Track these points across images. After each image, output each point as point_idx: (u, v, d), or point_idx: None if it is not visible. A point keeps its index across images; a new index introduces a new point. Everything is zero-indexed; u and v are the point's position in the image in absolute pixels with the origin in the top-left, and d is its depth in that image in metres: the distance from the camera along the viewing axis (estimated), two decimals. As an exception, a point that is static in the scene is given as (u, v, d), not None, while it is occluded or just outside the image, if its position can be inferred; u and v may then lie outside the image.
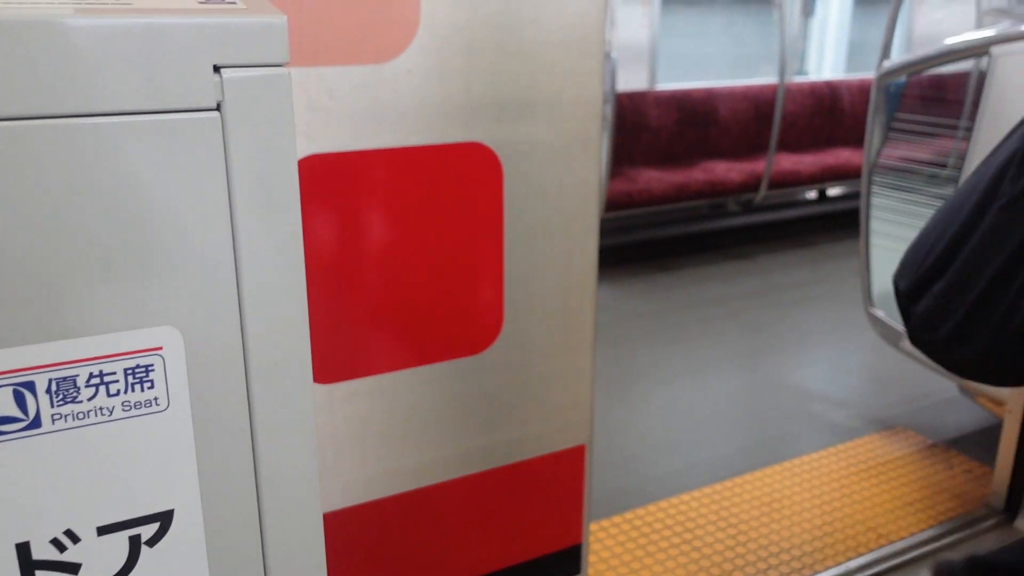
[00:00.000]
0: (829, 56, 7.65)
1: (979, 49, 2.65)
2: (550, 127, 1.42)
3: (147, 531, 0.70)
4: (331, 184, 1.30)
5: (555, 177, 1.46)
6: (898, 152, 3.02)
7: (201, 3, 0.66)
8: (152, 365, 0.66)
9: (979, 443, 3.12)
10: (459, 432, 1.53)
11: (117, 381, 0.66)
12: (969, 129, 2.70)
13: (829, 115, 6.11)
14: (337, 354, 1.38)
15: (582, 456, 1.67)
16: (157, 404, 0.67)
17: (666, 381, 3.66)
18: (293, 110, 0.67)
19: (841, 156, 5.84)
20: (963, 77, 2.91)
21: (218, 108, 0.64)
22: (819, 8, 7.67)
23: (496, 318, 1.49)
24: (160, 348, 0.66)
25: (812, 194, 6.29)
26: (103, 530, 0.68)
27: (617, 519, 2.63)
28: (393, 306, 1.40)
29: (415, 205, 1.36)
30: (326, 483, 1.46)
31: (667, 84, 5.69)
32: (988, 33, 2.66)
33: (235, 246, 0.67)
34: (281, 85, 0.66)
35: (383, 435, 1.47)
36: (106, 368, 0.65)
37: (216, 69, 0.64)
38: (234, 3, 0.67)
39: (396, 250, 1.37)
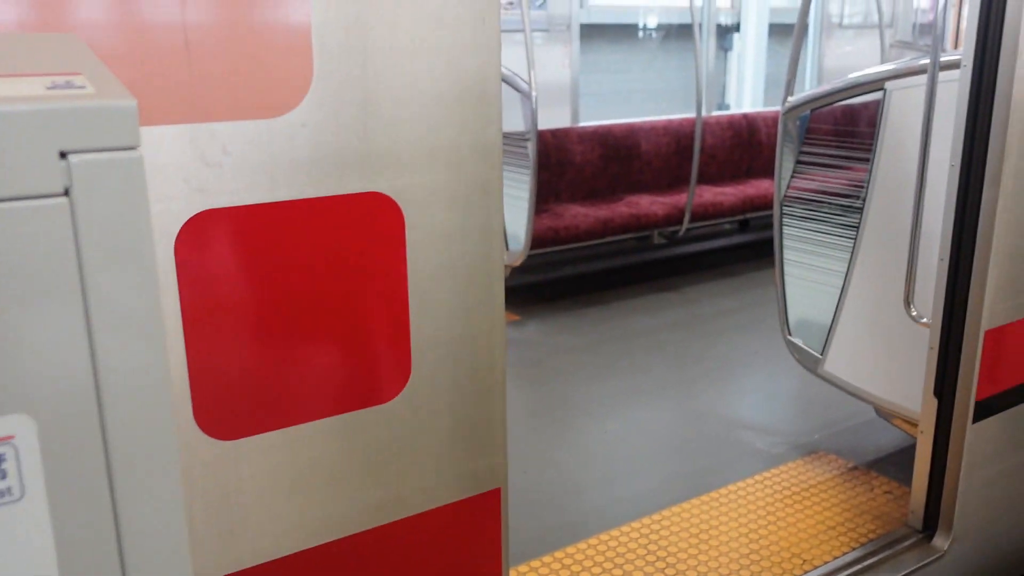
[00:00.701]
0: (748, 90, 7.90)
1: (875, 85, 2.76)
2: (450, 174, 1.44)
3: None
4: (228, 238, 1.29)
5: (458, 223, 1.47)
6: (806, 184, 3.12)
7: (49, 88, 0.65)
8: (3, 455, 0.65)
9: (898, 463, 3.21)
10: (371, 482, 1.52)
11: (-33, 472, 0.64)
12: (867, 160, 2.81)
13: (748, 147, 6.29)
14: (241, 409, 1.36)
15: (498, 500, 1.67)
16: (11, 494, 0.65)
17: (595, 416, 3.68)
18: (146, 190, 0.66)
19: (761, 186, 6.00)
20: (872, 107, 3.03)
21: (66, 193, 0.64)
22: (736, 43, 7.92)
23: (404, 366, 1.49)
24: (12, 437, 0.65)
25: (734, 224, 6.44)
26: None
27: (547, 559, 2.62)
28: (298, 358, 1.39)
29: (316, 256, 1.36)
30: (235, 541, 1.43)
31: (590, 121, 5.80)
32: (883, 69, 2.78)
33: (89, 329, 0.66)
34: (133, 168, 0.65)
35: (292, 489, 1.45)
36: (-44, 459, 0.63)
37: (63, 155, 0.63)
38: (84, 87, 0.66)
39: (298, 302, 1.36)
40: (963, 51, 2.23)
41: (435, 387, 1.53)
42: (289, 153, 1.29)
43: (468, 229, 1.48)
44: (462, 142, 1.43)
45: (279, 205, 1.30)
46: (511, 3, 5.20)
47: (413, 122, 1.38)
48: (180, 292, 1.26)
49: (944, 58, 2.49)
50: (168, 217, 1.23)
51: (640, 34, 7.80)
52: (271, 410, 1.39)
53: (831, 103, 2.94)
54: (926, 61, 2.53)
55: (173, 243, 1.24)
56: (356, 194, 1.36)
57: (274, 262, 1.33)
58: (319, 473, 1.46)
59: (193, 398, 1.32)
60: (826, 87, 2.98)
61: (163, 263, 1.24)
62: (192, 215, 1.24)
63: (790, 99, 3.08)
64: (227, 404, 1.34)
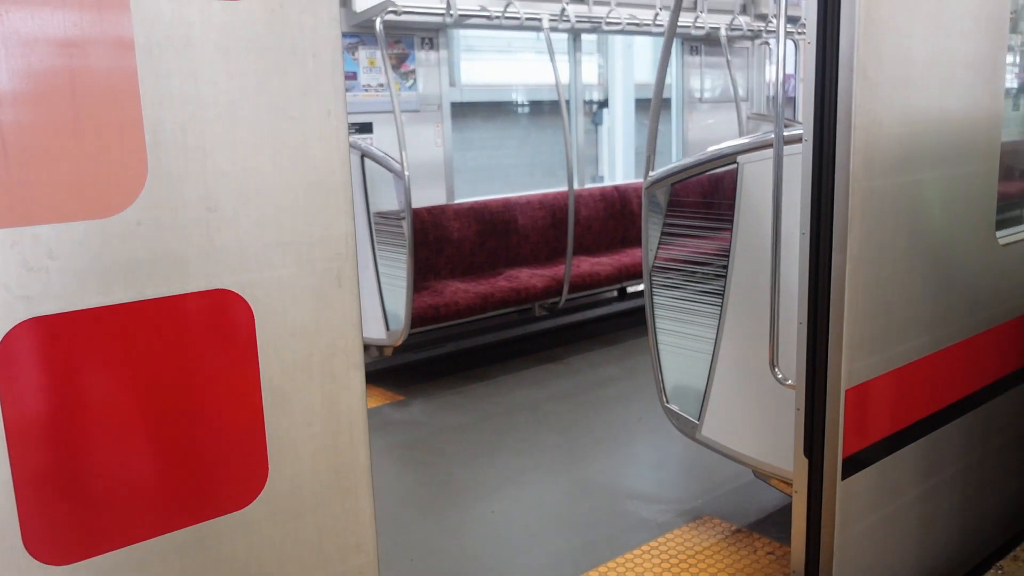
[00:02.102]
0: (619, 162, 8.17)
1: (729, 159, 2.89)
2: (301, 267, 1.40)
3: None
4: (57, 347, 1.20)
5: (311, 316, 1.43)
6: (672, 253, 3.21)
7: None
8: None
9: (778, 523, 3.27)
10: (229, 596, 1.42)
11: None
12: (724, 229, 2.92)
13: (621, 217, 6.47)
14: (76, 529, 1.26)
15: (370, 602, 1.60)
16: None
17: (481, 496, 3.62)
18: None
19: (636, 255, 6.16)
20: (733, 175, 3.15)
21: None
22: (605, 118, 8.21)
23: (260, 469, 1.41)
24: None
25: (613, 292, 6.57)
26: None
27: (434, 652, 2.52)
28: (141, 469, 1.30)
29: (157, 359, 1.28)
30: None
31: (466, 197, 5.85)
32: (735, 143, 2.92)
33: None
34: None
35: (140, 612, 1.34)
36: None
37: None
38: None
39: (137, 409, 1.28)
40: (803, 127, 2.36)
41: (296, 489, 1.46)
42: (124, 253, 1.23)
43: (323, 322, 1.43)
44: (312, 234, 1.40)
45: (114, 308, 1.23)
46: (381, 85, 5.25)
47: (259, 216, 1.34)
48: (3, 407, 1.17)
49: (788, 132, 2.63)
50: (-13, 328, 1.15)
51: (514, 111, 8.00)
52: (111, 528, 1.29)
53: (688, 177, 3.06)
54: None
55: (-7, 355, 1.15)
56: (199, 292, 1.31)
57: (109, 369, 1.25)
58: (170, 591, 1.36)
59: (21, 521, 1.21)
60: (684, 162, 3.10)
61: (-18, 378, 1.15)
62: (14, 325, 1.16)
63: (651, 174, 3.19)
64: (60, 525, 1.23)
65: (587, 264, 5.86)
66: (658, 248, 3.26)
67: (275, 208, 1.36)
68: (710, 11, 6.48)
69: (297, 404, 1.43)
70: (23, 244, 1.15)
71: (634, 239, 6.52)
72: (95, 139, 1.19)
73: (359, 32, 5.12)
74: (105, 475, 1.27)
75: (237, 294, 1.35)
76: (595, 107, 8.11)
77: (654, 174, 3.18)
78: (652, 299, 3.32)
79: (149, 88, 1.22)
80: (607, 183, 7.28)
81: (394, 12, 4.73)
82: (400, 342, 4.81)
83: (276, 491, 1.43)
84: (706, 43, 7.12)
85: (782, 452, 2.91)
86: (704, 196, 3.11)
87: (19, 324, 1.16)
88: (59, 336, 1.20)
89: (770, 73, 7.47)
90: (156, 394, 1.29)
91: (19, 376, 1.17)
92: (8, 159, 1.12)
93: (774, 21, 2.77)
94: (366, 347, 5.13)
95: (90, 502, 1.27)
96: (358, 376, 1.50)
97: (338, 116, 1.40)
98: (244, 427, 1.38)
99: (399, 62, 5.36)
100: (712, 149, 3.06)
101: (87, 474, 1.25)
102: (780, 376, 2.68)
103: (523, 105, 8.13)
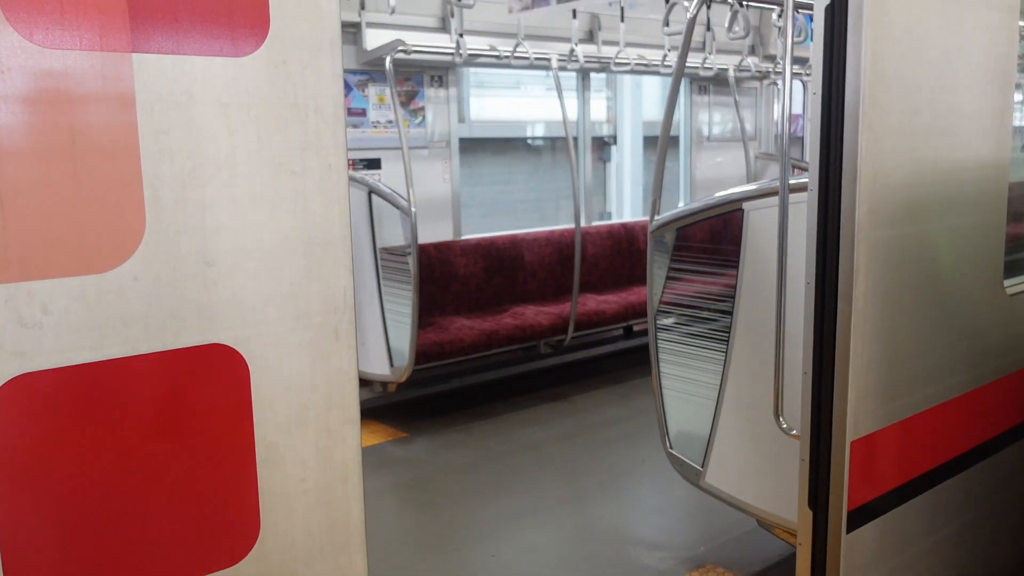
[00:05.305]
0: (627, 200, 8.18)
1: (733, 205, 2.88)
2: (298, 322, 1.39)
3: None
4: (50, 402, 1.19)
5: (307, 371, 1.42)
6: (676, 297, 3.20)
7: None
8: None
9: (782, 574, 3.22)
10: (217, 655, 1.40)
11: None
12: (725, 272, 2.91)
13: (628, 255, 6.46)
14: (64, 588, 1.24)
15: (362, 660, 1.57)
16: None
17: (481, 538, 3.58)
18: None
19: (642, 293, 6.15)
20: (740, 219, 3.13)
21: None
22: (614, 154, 8.23)
23: (252, 524, 1.40)
24: None
25: (619, 330, 6.55)
26: None
27: None
28: (131, 525, 1.28)
29: (150, 414, 1.27)
30: None
31: (473, 233, 5.86)
32: (740, 190, 2.91)
33: None
34: None
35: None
36: None
37: None
38: None
39: (130, 465, 1.27)
40: (808, 176, 2.35)
41: (288, 545, 1.44)
42: (119, 308, 1.23)
43: (319, 377, 1.42)
44: (310, 288, 1.40)
45: (108, 363, 1.23)
46: (391, 121, 5.28)
47: (256, 271, 1.34)
48: (-7, 464, 1.15)
49: (794, 180, 2.62)
50: (-21, 384, 1.14)
51: (523, 147, 8.04)
52: (99, 586, 1.27)
53: (693, 223, 3.05)
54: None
55: (-15, 411, 1.14)
56: (195, 347, 1.30)
57: (102, 424, 1.24)
58: (158, 649, 1.34)
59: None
60: (690, 207, 3.09)
61: (-28, 434, 1.14)
62: (7, 379, 1.15)
63: (657, 218, 3.18)
64: (47, 584, 1.21)
65: (593, 302, 5.85)
66: (663, 291, 3.25)
67: (273, 262, 1.36)
68: (719, 51, 6.51)
69: (291, 459, 1.42)
70: (18, 299, 1.15)
71: (641, 277, 6.50)
72: (93, 194, 1.19)
73: (369, 70, 5.16)
74: (95, 531, 1.25)
75: (233, 348, 1.34)
76: (604, 144, 8.13)
77: (660, 218, 3.17)
78: (656, 343, 3.30)
79: (149, 144, 1.22)
80: (615, 220, 7.28)
81: (403, 51, 4.77)
82: (404, 378, 4.79)
83: (267, 547, 1.41)
84: (714, 83, 7.15)
85: (786, 502, 2.87)
86: (710, 241, 3.10)
87: (12, 379, 1.15)
88: (52, 391, 1.19)
89: (778, 112, 7.49)
90: (148, 449, 1.28)
91: (10, 431, 1.16)
92: (5, 215, 1.12)
93: (781, 63, 2.77)
94: (370, 382, 5.12)
95: (79, 558, 1.25)
96: (354, 431, 1.48)
97: (339, 170, 1.39)
98: (236, 483, 1.37)
99: (408, 99, 5.40)
100: (719, 195, 3.06)
101: (77, 531, 1.23)
102: (784, 426, 2.65)
103: (532, 140, 8.17)
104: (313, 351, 1.41)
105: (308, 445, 1.43)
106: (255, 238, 1.33)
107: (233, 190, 1.30)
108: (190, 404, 1.31)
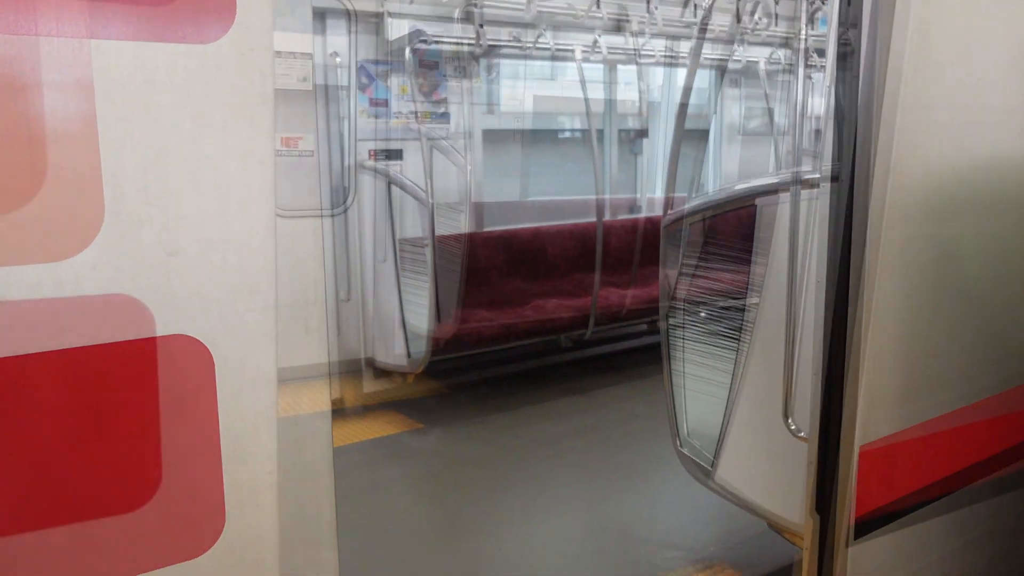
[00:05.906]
0: (659, 193, 8.07)
1: (746, 200, 2.81)
2: (266, 314, 1.37)
3: None
4: (6, 392, 1.18)
5: (275, 364, 1.39)
6: (688, 293, 3.14)
7: None
8: None
9: (792, 577, 3.15)
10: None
11: None
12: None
13: (652, 250, 6.38)
14: (21, 578, 1.23)
15: (333, 657, 1.54)
16: None
17: (491, 533, 3.55)
18: None
19: (667, 288, 6.07)
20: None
21: None
22: (646, 147, 8.12)
23: (217, 516, 1.38)
24: None
25: (642, 326, 6.48)
26: None
27: None
28: (88, 516, 1.27)
29: (111, 406, 1.26)
30: None
31: (495, 225, 5.83)
32: (752, 185, 2.84)
33: None
34: None
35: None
36: None
37: None
38: None
39: (92, 457, 1.25)
40: (823, 170, 2.28)
41: (255, 538, 1.41)
42: (77, 297, 1.21)
43: (287, 370, 1.40)
44: (279, 281, 1.37)
45: (65, 353, 1.21)
46: (413, 112, 5.25)
47: (223, 261, 1.31)
48: (-53, 452, 1.15)
49: (807, 176, 2.55)
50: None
51: (549, 138, 7.96)
52: (58, 576, 1.26)
53: (704, 218, 2.98)
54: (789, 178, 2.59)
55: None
56: (157, 337, 1.28)
57: (61, 415, 1.22)
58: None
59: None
60: (703, 201, 3.03)
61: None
62: (-39, 368, 1.14)
63: (670, 212, 3.12)
64: None
65: (616, 296, 5.78)
66: (675, 286, 3.19)
67: (241, 254, 1.33)
68: (749, 44, 6.39)
69: (258, 452, 1.39)
70: (-28, 287, 1.13)
71: (666, 272, 6.42)
72: (50, 182, 1.17)
73: (391, 60, 5.14)
74: (52, 521, 1.24)
75: (198, 340, 1.31)
76: (633, 136, 8.03)
77: (672, 212, 3.11)
78: (669, 340, 3.24)
79: (108, 131, 1.20)
80: (642, 214, 7.19)
81: (424, 42, 4.74)
82: (421, 369, 4.78)
83: (234, 540, 1.39)
84: (745, 76, 7.03)
85: (795, 506, 2.80)
86: (725, 235, 3.03)
87: (-35, 368, 1.14)
88: (8, 381, 1.18)
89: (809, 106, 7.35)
90: (110, 441, 1.26)
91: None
92: (-44, 202, 1.11)
93: (814, 56, 2.68)
94: (387, 373, 5.12)
95: (39, 550, 1.24)
96: (324, 425, 1.46)
97: (310, 159, 1.36)
98: (201, 475, 1.35)
99: (431, 89, 5.37)
100: (739, 187, 2.99)
101: (31, 526, 1.22)
102: (794, 427, 2.58)
103: (558, 132, 8.09)
104: (282, 344, 1.39)
105: (276, 439, 1.41)
106: (221, 228, 1.31)
107: (198, 180, 1.28)
108: (152, 395, 1.29)
